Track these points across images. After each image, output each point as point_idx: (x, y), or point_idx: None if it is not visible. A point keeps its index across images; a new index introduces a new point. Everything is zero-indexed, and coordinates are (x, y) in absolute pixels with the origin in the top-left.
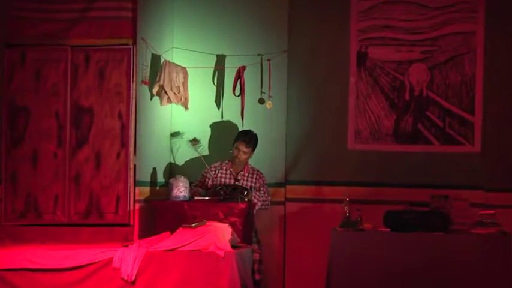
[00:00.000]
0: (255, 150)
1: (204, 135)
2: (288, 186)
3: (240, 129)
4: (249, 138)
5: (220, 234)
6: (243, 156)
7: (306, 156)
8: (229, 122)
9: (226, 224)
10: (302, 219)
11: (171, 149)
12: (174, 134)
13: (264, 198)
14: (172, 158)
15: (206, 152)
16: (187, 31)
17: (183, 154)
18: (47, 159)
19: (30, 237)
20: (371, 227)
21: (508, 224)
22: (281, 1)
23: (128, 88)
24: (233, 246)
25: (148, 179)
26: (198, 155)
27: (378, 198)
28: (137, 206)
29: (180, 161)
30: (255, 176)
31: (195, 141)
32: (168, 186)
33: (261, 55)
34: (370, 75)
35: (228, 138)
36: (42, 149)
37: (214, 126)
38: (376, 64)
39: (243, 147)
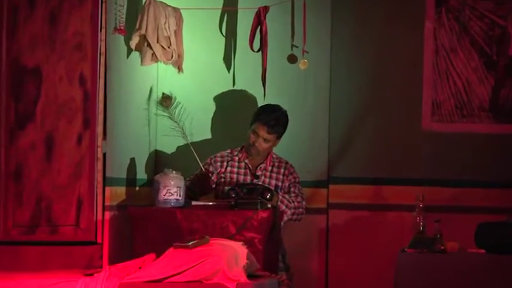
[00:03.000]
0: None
1: (207, 111)
2: (331, 186)
3: (261, 102)
4: (275, 119)
5: (231, 257)
6: (263, 146)
7: (359, 142)
8: (243, 93)
9: (240, 243)
10: (353, 235)
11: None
12: (164, 100)
13: (296, 203)
14: (158, 142)
15: (206, 135)
16: None
17: (175, 137)
18: None
19: None
20: (456, 247)
21: None
22: None
23: (94, 40)
24: (249, 276)
25: (123, 174)
26: (180, 133)
27: (467, 203)
28: (107, 215)
29: (170, 148)
30: (282, 170)
31: (166, 100)
32: (152, 185)
33: None
34: (455, 19)
35: (243, 116)
36: None
37: (222, 98)
38: (465, 3)
39: (263, 133)
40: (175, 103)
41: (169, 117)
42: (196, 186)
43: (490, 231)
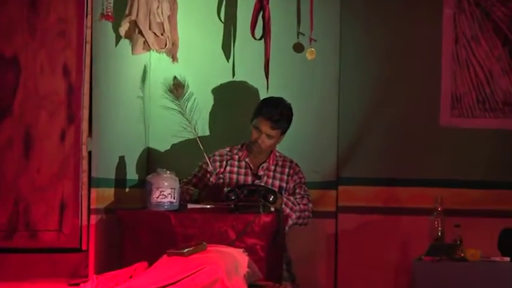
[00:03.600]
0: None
1: (204, 105)
2: (341, 188)
3: (263, 95)
4: (278, 114)
5: (230, 265)
6: (266, 142)
7: (371, 139)
8: (244, 84)
9: (240, 250)
10: (364, 241)
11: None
12: (176, 88)
13: (301, 206)
14: (148, 139)
15: (203, 131)
16: None
17: (169, 133)
18: None
19: None
20: (478, 254)
21: None
22: None
23: (79, 26)
24: (251, 286)
25: (111, 174)
26: (193, 134)
27: (490, 206)
28: (93, 219)
29: (164, 145)
30: (286, 170)
31: (178, 87)
32: (144, 186)
33: None
34: (476, 4)
35: (243, 110)
36: None
37: (221, 90)
38: None
39: (267, 128)
40: (188, 94)
41: (180, 111)
42: (207, 195)
43: None
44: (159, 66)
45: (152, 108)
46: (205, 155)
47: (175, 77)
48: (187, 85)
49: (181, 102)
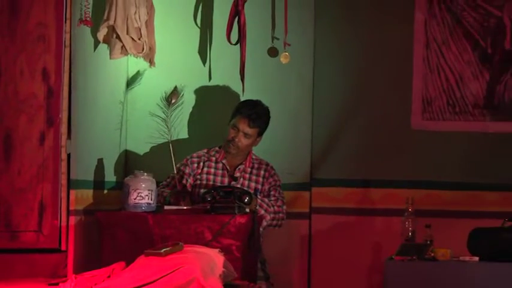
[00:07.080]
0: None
1: (182, 108)
2: (314, 189)
3: (240, 98)
4: (256, 114)
5: (206, 265)
6: (243, 142)
7: (345, 141)
8: (221, 88)
9: (216, 250)
10: (337, 242)
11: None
12: (171, 96)
13: (275, 208)
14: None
15: (182, 134)
16: None
17: (147, 136)
18: None
19: None
20: (448, 254)
21: None
22: None
23: (58, 31)
24: (226, 285)
25: (90, 176)
26: (167, 139)
27: (460, 207)
28: (72, 220)
29: (142, 148)
30: (262, 172)
31: (174, 95)
32: (122, 188)
33: None
34: (448, 10)
35: (219, 114)
36: None
37: (198, 94)
38: None
39: (244, 127)
40: (180, 102)
41: (164, 119)
42: (174, 200)
43: (485, 237)
44: (137, 70)
45: (130, 112)
46: (174, 164)
47: (176, 87)
48: (182, 94)
49: (169, 109)
